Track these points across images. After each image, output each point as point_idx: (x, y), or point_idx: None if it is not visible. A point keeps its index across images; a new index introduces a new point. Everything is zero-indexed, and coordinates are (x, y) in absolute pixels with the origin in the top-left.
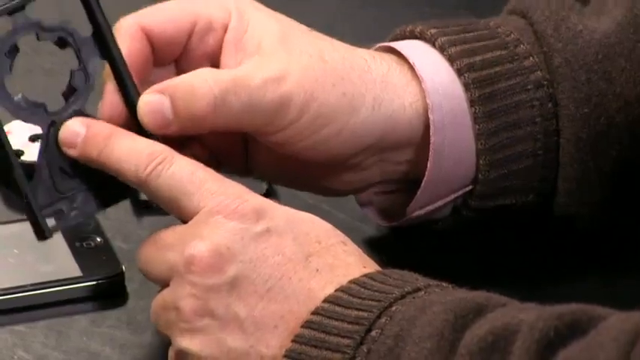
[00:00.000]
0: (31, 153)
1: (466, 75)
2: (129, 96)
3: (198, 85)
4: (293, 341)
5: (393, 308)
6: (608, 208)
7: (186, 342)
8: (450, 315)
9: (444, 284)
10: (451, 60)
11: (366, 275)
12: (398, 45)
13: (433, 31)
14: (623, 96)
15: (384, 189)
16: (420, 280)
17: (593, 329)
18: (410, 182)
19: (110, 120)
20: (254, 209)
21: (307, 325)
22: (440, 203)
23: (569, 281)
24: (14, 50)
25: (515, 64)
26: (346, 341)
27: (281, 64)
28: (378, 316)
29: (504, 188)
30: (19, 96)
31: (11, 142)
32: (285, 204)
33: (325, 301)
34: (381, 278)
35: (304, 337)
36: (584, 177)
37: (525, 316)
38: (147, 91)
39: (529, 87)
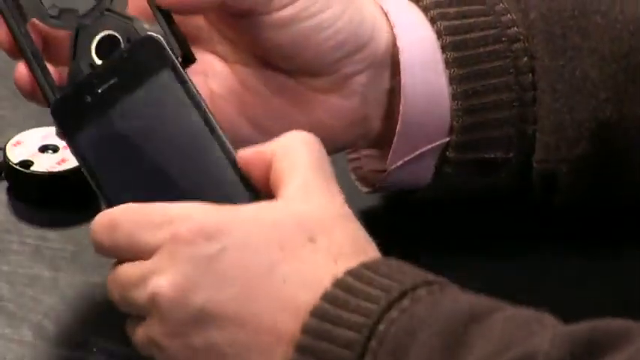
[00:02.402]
0: (41, 163)
1: (439, 23)
2: None
3: None
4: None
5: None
6: (586, 169)
7: None
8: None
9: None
10: (426, 10)
11: (336, 285)
12: None
13: None
14: (598, 51)
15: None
16: (407, 279)
17: (626, 344)
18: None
19: None
20: (201, 230)
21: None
22: (418, 152)
23: (558, 267)
24: None
25: (491, 17)
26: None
27: None
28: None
29: (482, 140)
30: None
31: (22, 152)
32: None
33: (312, 315)
34: (366, 278)
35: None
36: (561, 130)
37: (539, 342)
38: None
39: (503, 39)
